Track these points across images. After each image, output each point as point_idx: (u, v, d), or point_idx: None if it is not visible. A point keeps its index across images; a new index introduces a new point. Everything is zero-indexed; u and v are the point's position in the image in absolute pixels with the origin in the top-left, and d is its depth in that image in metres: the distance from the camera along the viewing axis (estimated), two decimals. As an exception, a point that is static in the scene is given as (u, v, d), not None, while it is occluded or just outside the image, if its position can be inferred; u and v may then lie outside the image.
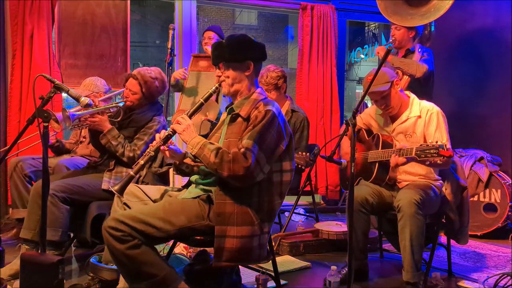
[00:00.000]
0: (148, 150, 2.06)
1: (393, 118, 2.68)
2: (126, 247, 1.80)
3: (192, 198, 2.04)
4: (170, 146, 2.09)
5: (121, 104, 2.87)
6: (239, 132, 1.98)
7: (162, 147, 2.05)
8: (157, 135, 2.09)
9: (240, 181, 1.88)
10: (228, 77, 2.06)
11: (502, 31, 4.15)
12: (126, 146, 2.69)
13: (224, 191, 1.93)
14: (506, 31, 4.11)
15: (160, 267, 1.86)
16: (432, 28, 3.75)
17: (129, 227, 1.81)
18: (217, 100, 3.83)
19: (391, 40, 3.66)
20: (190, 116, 2.07)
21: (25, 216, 2.63)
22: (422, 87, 3.50)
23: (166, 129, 2.78)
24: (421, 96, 3.40)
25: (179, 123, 2.02)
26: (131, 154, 2.67)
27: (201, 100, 2.13)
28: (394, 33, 3.61)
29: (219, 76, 2.10)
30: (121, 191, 2.01)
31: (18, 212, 3.20)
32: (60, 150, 3.40)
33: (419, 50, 3.54)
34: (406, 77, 3.48)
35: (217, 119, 3.64)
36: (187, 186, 2.21)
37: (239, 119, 2.02)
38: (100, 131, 2.70)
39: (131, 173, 2.03)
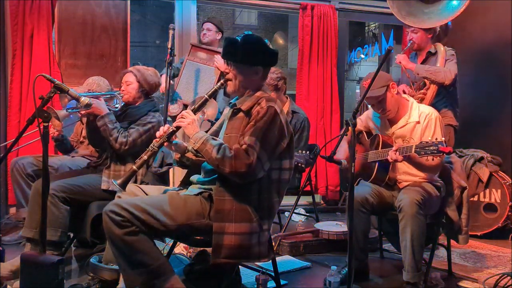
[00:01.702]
0: (151, 145, 2.06)
1: (392, 122, 2.67)
2: (124, 233, 1.81)
3: (194, 195, 2.04)
4: (174, 141, 2.09)
5: (116, 93, 2.90)
6: (240, 127, 1.98)
7: (165, 143, 2.06)
8: (161, 128, 2.08)
9: (241, 178, 1.88)
10: (235, 77, 2.06)
11: (502, 31, 4.15)
12: (121, 131, 2.69)
13: (224, 187, 1.93)
14: (506, 30, 4.11)
15: (154, 257, 1.87)
16: (449, 22, 3.52)
17: (130, 213, 1.82)
18: (215, 99, 3.83)
19: (409, 45, 3.44)
20: (195, 112, 2.07)
21: None
22: (447, 90, 3.34)
23: (162, 125, 2.80)
24: (447, 99, 3.28)
25: (184, 118, 2.02)
26: (123, 140, 2.67)
27: (206, 96, 2.13)
28: (411, 36, 3.41)
29: (227, 73, 2.08)
30: (124, 185, 2.02)
31: (25, 212, 3.19)
32: (64, 145, 3.38)
33: (443, 51, 3.31)
34: (433, 86, 3.25)
35: (216, 119, 3.65)
36: (185, 185, 2.21)
37: (240, 114, 2.02)
38: (98, 115, 2.68)
39: (134, 167, 2.03)
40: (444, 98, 3.36)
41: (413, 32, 3.41)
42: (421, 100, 3.22)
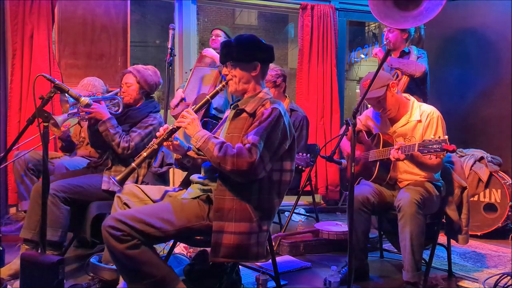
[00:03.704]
0: (151, 143, 2.06)
1: (392, 121, 2.67)
2: (125, 247, 1.80)
3: (192, 198, 2.04)
4: (176, 138, 2.10)
5: (116, 93, 2.91)
6: (243, 128, 1.98)
7: (165, 142, 2.06)
8: (161, 128, 2.08)
9: (242, 176, 1.88)
10: (235, 76, 2.07)
11: (502, 31, 4.15)
12: (123, 136, 2.69)
13: (225, 186, 1.93)
14: (505, 30, 4.11)
15: (159, 267, 1.86)
16: (422, 32, 3.82)
17: (128, 226, 1.81)
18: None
19: (385, 43, 3.73)
20: (196, 112, 2.07)
21: None
22: (418, 87, 3.57)
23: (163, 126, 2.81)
24: (418, 96, 3.41)
25: (184, 117, 2.02)
26: (126, 145, 2.68)
27: (207, 97, 2.14)
28: (387, 36, 3.69)
29: (226, 75, 2.10)
30: (122, 182, 2.02)
31: (26, 204, 3.21)
32: (69, 144, 3.39)
33: (415, 51, 3.62)
34: (405, 78, 3.53)
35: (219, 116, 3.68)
36: (186, 185, 2.21)
37: (244, 114, 2.02)
38: (99, 119, 2.69)
39: (133, 165, 2.03)
40: (415, 94, 3.45)
41: (389, 31, 3.69)
42: None
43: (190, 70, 4.13)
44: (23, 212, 3.34)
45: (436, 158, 2.34)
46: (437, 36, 4.63)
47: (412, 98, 2.69)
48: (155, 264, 1.85)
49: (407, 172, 2.62)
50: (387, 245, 3.14)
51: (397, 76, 3.58)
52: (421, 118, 2.58)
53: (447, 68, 4.59)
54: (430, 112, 2.58)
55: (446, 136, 2.25)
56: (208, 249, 1.95)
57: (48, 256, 1.94)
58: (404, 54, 3.67)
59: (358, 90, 15.00)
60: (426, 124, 2.56)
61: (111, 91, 3.54)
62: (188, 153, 2.19)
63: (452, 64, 4.60)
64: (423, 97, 3.57)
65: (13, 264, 2.49)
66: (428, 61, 3.63)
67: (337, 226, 3.37)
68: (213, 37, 4.07)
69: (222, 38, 4.04)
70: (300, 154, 3.18)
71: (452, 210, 2.60)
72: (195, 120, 2.01)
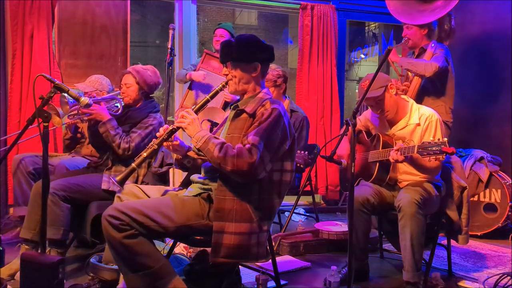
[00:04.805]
0: (151, 143, 2.06)
1: (391, 123, 2.66)
2: (123, 236, 1.81)
3: (193, 196, 2.04)
4: (176, 138, 2.10)
5: (116, 93, 2.91)
6: (243, 128, 1.98)
7: (165, 142, 2.06)
8: (161, 129, 2.08)
9: (242, 177, 1.88)
10: (235, 76, 2.07)
11: (503, 32, 4.16)
12: (123, 137, 2.70)
13: (225, 187, 1.93)
14: (506, 31, 4.11)
15: (155, 259, 1.87)
16: (453, 22, 3.55)
17: (128, 217, 1.82)
18: (224, 108, 3.84)
19: (404, 41, 3.53)
20: (196, 112, 2.07)
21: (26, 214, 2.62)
22: (436, 88, 3.40)
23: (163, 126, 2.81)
24: (436, 95, 3.29)
25: (184, 118, 2.02)
26: (126, 145, 2.68)
27: (207, 96, 2.14)
28: (406, 33, 3.49)
29: (226, 75, 2.10)
30: (122, 182, 2.02)
31: (20, 210, 3.20)
32: (75, 136, 3.39)
33: (432, 46, 3.40)
34: (416, 78, 3.37)
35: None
36: (186, 185, 2.21)
37: (244, 115, 2.02)
38: (99, 120, 2.69)
39: (133, 165, 2.03)
40: (434, 93, 3.36)
41: (407, 28, 3.48)
42: (405, 92, 3.25)
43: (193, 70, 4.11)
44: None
45: (435, 160, 2.34)
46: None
47: (411, 100, 2.68)
48: (152, 256, 1.86)
49: (407, 173, 2.61)
50: (387, 245, 3.14)
51: (408, 77, 3.45)
52: (419, 121, 2.57)
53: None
54: (429, 115, 2.57)
55: (446, 139, 2.25)
56: (208, 249, 1.95)
57: (48, 256, 1.94)
58: (423, 52, 3.47)
59: (357, 90, 14.99)
60: (425, 127, 2.55)
61: (116, 91, 3.54)
62: (188, 153, 2.19)
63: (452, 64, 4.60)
64: (444, 96, 3.41)
65: (13, 264, 2.49)
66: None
67: (337, 226, 3.37)
68: (217, 37, 4.04)
69: (226, 38, 4.02)
70: (299, 152, 3.18)
71: (452, 210, 2.60)
72: (195, 120, 2.01)
